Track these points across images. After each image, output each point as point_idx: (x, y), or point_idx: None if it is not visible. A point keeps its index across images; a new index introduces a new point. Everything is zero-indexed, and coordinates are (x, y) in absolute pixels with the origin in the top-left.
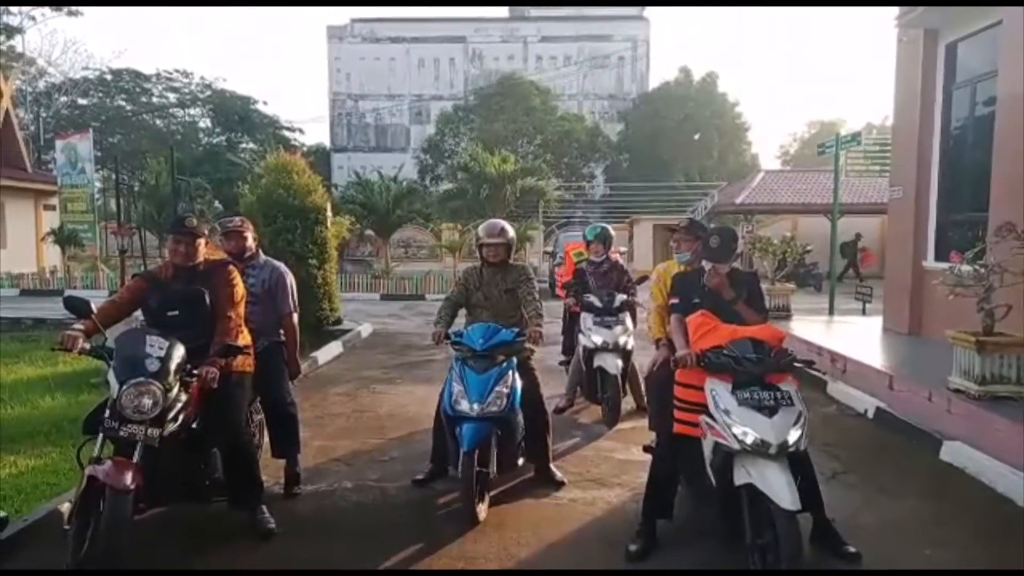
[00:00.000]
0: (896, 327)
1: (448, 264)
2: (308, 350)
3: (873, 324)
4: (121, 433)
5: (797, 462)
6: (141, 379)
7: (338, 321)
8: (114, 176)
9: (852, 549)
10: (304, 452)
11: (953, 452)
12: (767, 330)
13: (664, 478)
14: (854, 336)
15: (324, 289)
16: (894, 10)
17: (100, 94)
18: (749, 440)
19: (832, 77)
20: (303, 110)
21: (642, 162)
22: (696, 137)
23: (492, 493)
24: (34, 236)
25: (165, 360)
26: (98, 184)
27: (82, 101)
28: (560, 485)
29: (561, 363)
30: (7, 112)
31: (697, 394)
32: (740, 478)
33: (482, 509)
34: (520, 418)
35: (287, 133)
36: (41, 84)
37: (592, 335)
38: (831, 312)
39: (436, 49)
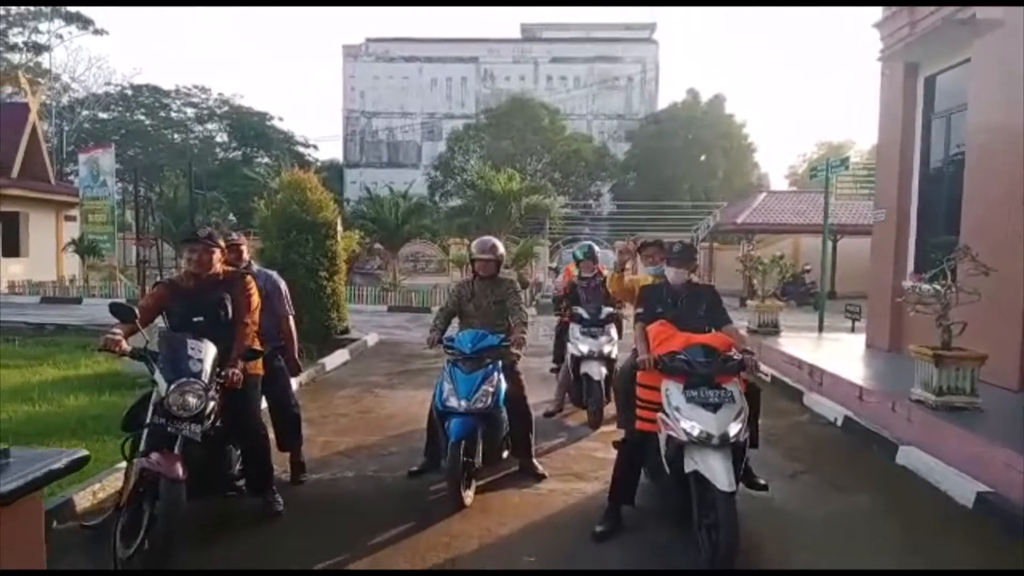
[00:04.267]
0: (878, 344)
1: (455, 278)
2: (316, 357)
3: (858, 341)
4: (169, 429)
5: (740, 450)
6: (186, 379)
7: (346, 331)
8: (132, 188)
9: (762, 481)
10: (310, 446)
11: (907, 456)
12: (717, 338)
13: (627, 469)
14: (836, 352)
15: (333, 300)
16: (878, 43)
17: (120, 109)
18: (695, 433)
19: (845, 99)
20: (317, 127)
21: (649, 181)
22: (702, 158)
23: (478, 483)
24: (55, 246)
25: (203, 362)
26: (117, 196)
27: (103, 115)
28: (541, 478)
29: (552, 370)
30: (33, 126)
31: (655, 394)
32: (689, 466)
33: (468, 495)
34: (504, 415)
35: (301, 149)
36: (65, 99)
37: (579, 344)
38: (820, 329)
39: (449, 69)
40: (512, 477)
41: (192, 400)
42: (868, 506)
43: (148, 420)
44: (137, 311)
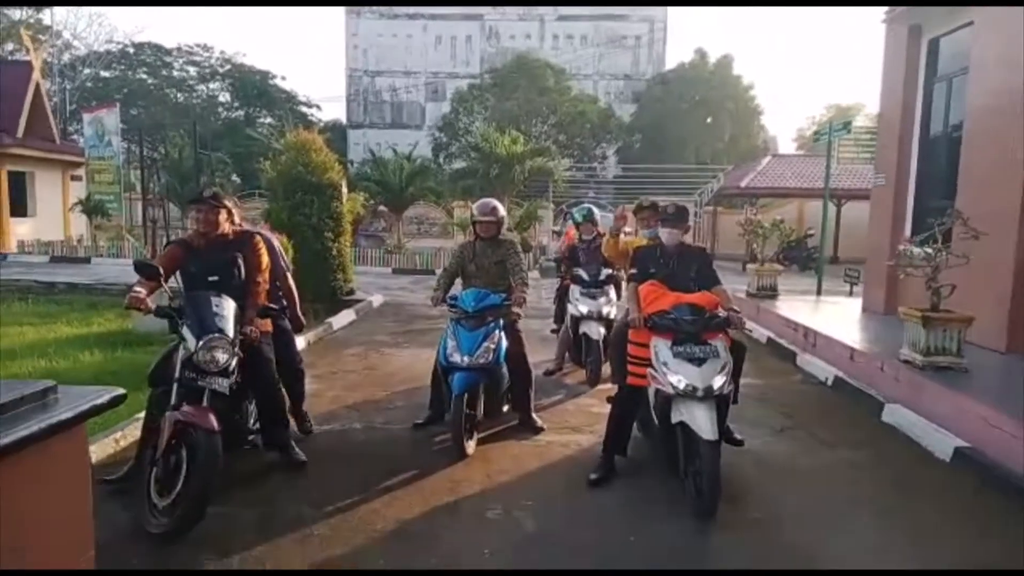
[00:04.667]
0: (874, 307)
1: (459, 241)
2: (323, 316)
3: (855, 305)
4: (199, 383)
5: (723, 402)
6: (215, 335)
7: (351, 291)
8: (136, 148)
9: (738, 437)
10: (319, 400)
11: (892, 413)
12: (704, 297)
13: (620, 421)
14: (832, 315)
15: (339, 261)
16: (880, 6)
17: (122, 67)
18: (681, 386)
19: (855, 61)
20: (321, 86)
21: (654, 143)
22: (708, 120)
23: (480, 435)
24: (61, 205)
25: (227, 318)
26: (122, 156)
27: (105, 74)
28: (540, 431)
29: (552, 331)
30: (37, 84)
31: (646, 351)
32: (675, 417)
33: (470, 446)
34: (504, 371)
35: (304, 109)
36: (66, 57)
37: (579, 305)
38: (819, 293)
39: (453, 27)
40: (512, 430)
41: (221, 355)
42: (850, 459)
43: (178, 375)
44: (161, 269)
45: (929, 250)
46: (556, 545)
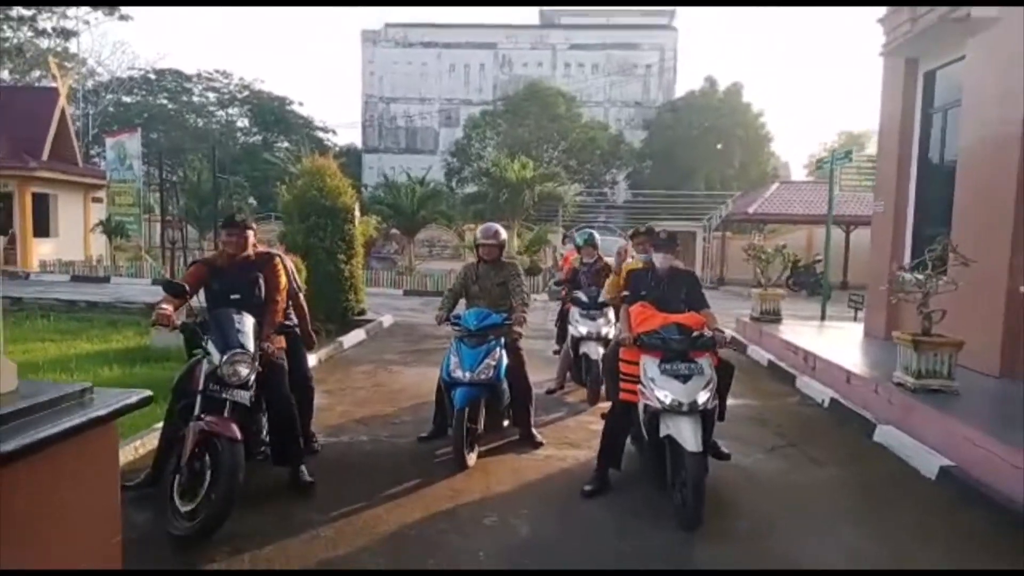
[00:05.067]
0: (875, 332)
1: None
2: (335, 335)
3: (858, 329)
4: (223, 395)
5: (707, 416)
6: (237, 350)
7: (362, 312)
8: (155, 171)
9: (725, 451)
10: (329, 415)
11: (883, 434)
12: (691, 318)
13: (612, 435)
14: (833, 339)
15: (351, 282)
16: (879, 38)
17: (144, 92)
18: (668, 401)
19: (867, 88)
20: (336, 112)
21: (664, 169)
22: (718, 147)
23: (481, 449)
24: (82, 226)
25: (247, 334)
26: (142, 179)
27: (127, 99)
28: (539, 445)
29: (555, 352)
30: (62, 110)
31: (636, 368)
32: (663, 431)
33: (472, 458)
34: (505, 386)
35: (321, 134)
36: (90, 83)
37: (579, 326)
38: (823, 317)
39: (467, 55)
40: (513, 444)
41: (243, 369)
42: (839, 477)
43: (202, 387)
44: (187, 287)
45: (920, 276)
46: (547, 550)
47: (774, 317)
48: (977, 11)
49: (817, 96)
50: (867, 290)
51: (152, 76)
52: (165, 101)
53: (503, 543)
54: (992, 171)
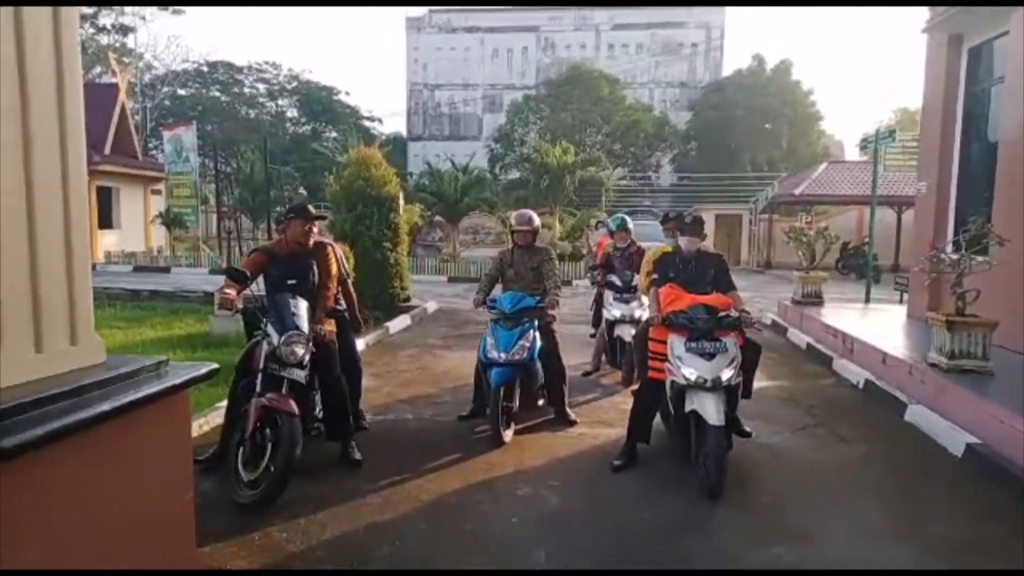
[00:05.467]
0: (917, 314)
1: None
2: (382, 321)
3: (901, 312)
4: (282, 374)
5: (731, 393)
6: (294, 332)
7: (407, 299)
8: (210, 163)
9: (747, 429)
10: (376, 395)
11: (914, 414)
12: (718, 299)
13: (642, 411)
14: (874, 321)
15: (396, 270)
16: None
17: (197, 85)
18: (693, 377)
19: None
20: (382, 100)
21: (710, 151)
22: (766, 127)
23: (517, 427)
24: (143, 218)
25: (302, 317)
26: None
27: (181, 92)
28: (573, 424)
29: (591, 335)
30: (122, 105)
31: (664, 347)
32: (688, 406)
33: (508, 435)
34: (539, 367)
35: (367, 123)
36: (147, 77)
37: (613, 309)
38: (867, 300)
39: (510, 39)
40: (548, 423)
41: (299, 349)
42: (866, 454)
43: (262, 366)
44: (248, 273)
45: (954, 256)
46: (575, 517)
47: (815, 300)
48: None
49: (873, 72)
50: (911, 272)
51: (205, 69)
52: (217, 93)
53: (534, 511)
54: None
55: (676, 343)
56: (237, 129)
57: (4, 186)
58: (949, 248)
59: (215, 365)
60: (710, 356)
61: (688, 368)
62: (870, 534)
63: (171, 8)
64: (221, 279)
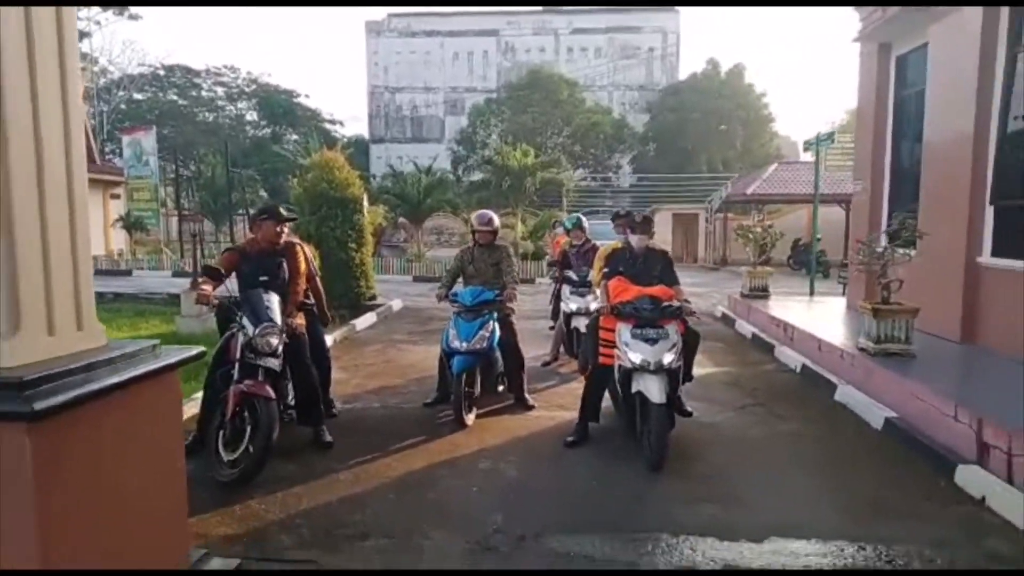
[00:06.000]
0: (855, 305)
1: None
2: (348, 319)
3: (841, 303)
4: (258, 362)
5: (673, 375)
6: (268, 323)
7: (373, 297)
8: (171, 167)
9: (688, 409)
10: (344, 387)
11: (843, 394)
12: (662, 290)
13: (593, 392)
14: (815, 313)
15: (361, 269)
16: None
17: (154, 89)
18: (637, 360)
19: None
20: (343, 103)
21: (668, 152)
22: (721, 128)
23: (479, 412)
24: (102, 222)
25: (275, 311)
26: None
27: (138, 96)
28: (531, 408)
29: (550, 328)
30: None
31: (613, 335)
32: (634, 387)
33: (470, 419)
34: (498, 355)
35: (328, 126)
36: (102, 81)
37: (569, 302)
38: (811, 293)
39: (470, 42)
40: (507, 408)
41: (273, 339)
42: (797, 430)
43: (239, 355)
44: (222, 271)
45: (878, 248)
46: (531, 487)
47: (762, 293)
48: None
49: (826, 74)
50: (849, 266)
51: (161, 72)
52: (175, 97)
53: (493, 482)
54: (951, 150)
55: (623, 330)
56: (196, 132)
57: (22, 193)
58: (880, 241)
59: (202, 348)
60: (654, 342)
61: (634, 353)
62: (793, 495)
63: (127, 13)
64: (183, 281)
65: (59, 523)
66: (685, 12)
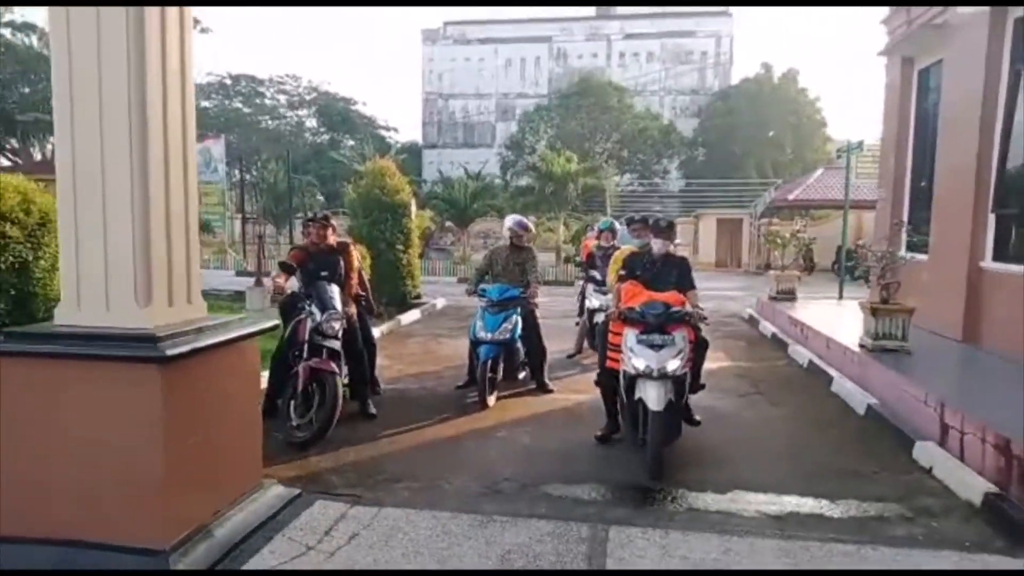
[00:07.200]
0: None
1: None
2: (395, 315)
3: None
4: (323, 343)
5: (678, 382)
6: (333, 311)
7: (418, 296)
8: (237, 172)
9: (697, 418)
10: (389, 371)
11: (838, 385)
12: (673, 296)
13: (605, 396)
14: (833, 314)
15: (408, 270)
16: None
17: (220, 97)
18: (641, 367)
19: None
20: (398, 110)
21: (717, 157)
22: (771, 134)
23: (502, 394)
24: None
25: (337, 300)
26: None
27: (205, 103)
28: (550, 392)
29: (576, 323)
30: None
31: (620, 339)
32: (637, 394)
33: (491, 400)
34: (519, 345)
35: (383, 132)
36: None
37: (593, 299)
38: (840, 296)
39: (522, 49)
40: (529, 392)
41: (336, 324)
42: (789, 413)
43: (308, 337)
44: (295, 265)
45: (879, 252)
46: (539, 449)
47: (789, 296)
48: (951, 18)
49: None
50: (871, 270)
51: (228, 82)
52: (240, 105)
53: (508, 447)
54: (959, 161)
55: (629, 335)
56: (259, 139)
57: (156, 191)
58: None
59: (276, 322)
60: (659, 348)
61: (638, 359)
62: (766, 462)
63: (199, 26)
64: (246, 280)
65: (177, 439)
66: (740, 17)
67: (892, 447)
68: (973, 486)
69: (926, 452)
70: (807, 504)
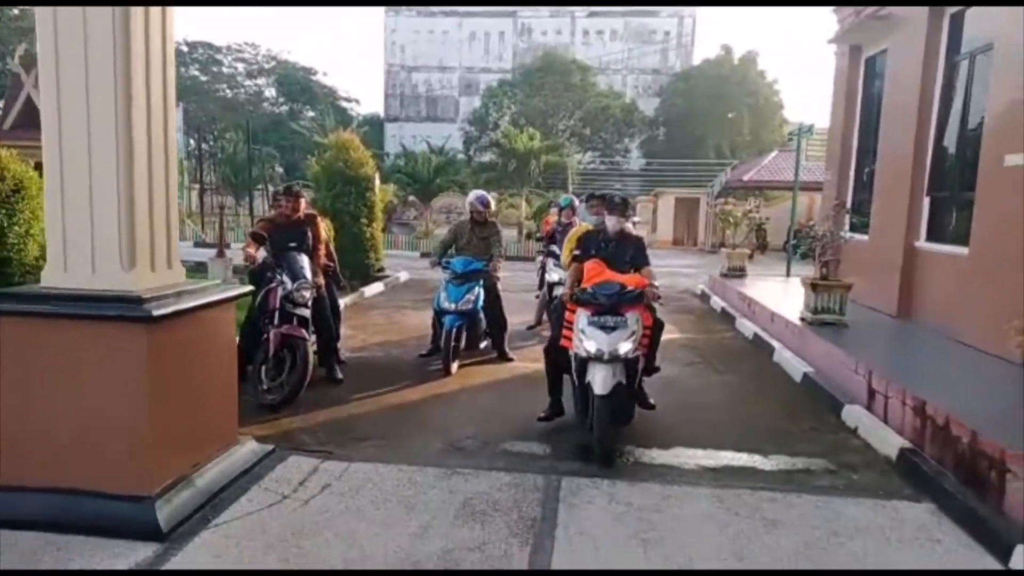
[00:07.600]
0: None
1: None
2: (358, 287)
3: None
4: (294, 311)
5: (631, 365)
6: (304, 280)
7: (381, 269)
8: (194, 142)
9: (651, 402)
10: (353, 341)
11: (778, 354)
12: (632, 278)
13: (549, 370)
14: (782, 291)
15: (371, 243)
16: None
17: (176, 64)
18: (592, 350)
19: None
20: (360, 81)
21: (677, 137)
22: (729, 115)
23: (464, 363)
24: None
25: (307, 270)
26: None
27: None
28: (510, 360)
29: (536, 296)
30: None
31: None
32: (588, 377)
33: (454, 367)
34: (481, 316)
35: (344, 103)
36: None
37: (552, 274)
38: (788, 274)
39: (487, 23)
40: (490, 360)
41: (306, 292)
42: (729, 380)
43: (279, 305)
44: (265, 236)
45: (818, 231)
46: (499, 412)
47: (739, 273)
48: (896, 10)
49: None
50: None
51: (184, 48)
52: (196, 72)
53: (469, 408)
54: (898, 146)
55: (581, 317)
56: (216, 108)
57: (141, 168)
58: (809, 224)
59: (250, 287)
60: (611, 330)
61: (589, 341)
62: (706, 423)
63: None
64: (206, 252)
65: (160, 395)
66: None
67: (823, 410)
68: (891, 443)
69: (853, 414)
70: (741, 458)
